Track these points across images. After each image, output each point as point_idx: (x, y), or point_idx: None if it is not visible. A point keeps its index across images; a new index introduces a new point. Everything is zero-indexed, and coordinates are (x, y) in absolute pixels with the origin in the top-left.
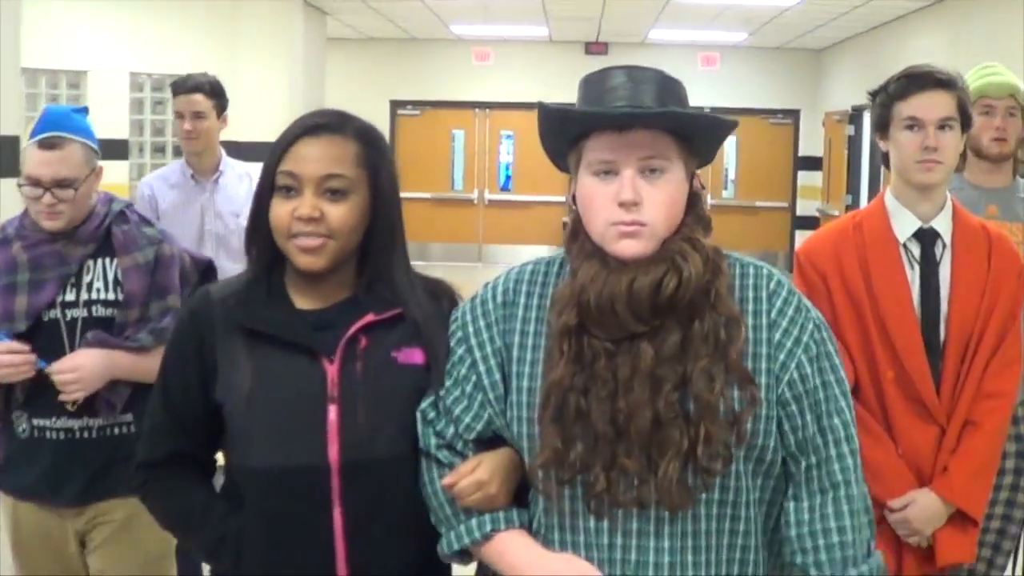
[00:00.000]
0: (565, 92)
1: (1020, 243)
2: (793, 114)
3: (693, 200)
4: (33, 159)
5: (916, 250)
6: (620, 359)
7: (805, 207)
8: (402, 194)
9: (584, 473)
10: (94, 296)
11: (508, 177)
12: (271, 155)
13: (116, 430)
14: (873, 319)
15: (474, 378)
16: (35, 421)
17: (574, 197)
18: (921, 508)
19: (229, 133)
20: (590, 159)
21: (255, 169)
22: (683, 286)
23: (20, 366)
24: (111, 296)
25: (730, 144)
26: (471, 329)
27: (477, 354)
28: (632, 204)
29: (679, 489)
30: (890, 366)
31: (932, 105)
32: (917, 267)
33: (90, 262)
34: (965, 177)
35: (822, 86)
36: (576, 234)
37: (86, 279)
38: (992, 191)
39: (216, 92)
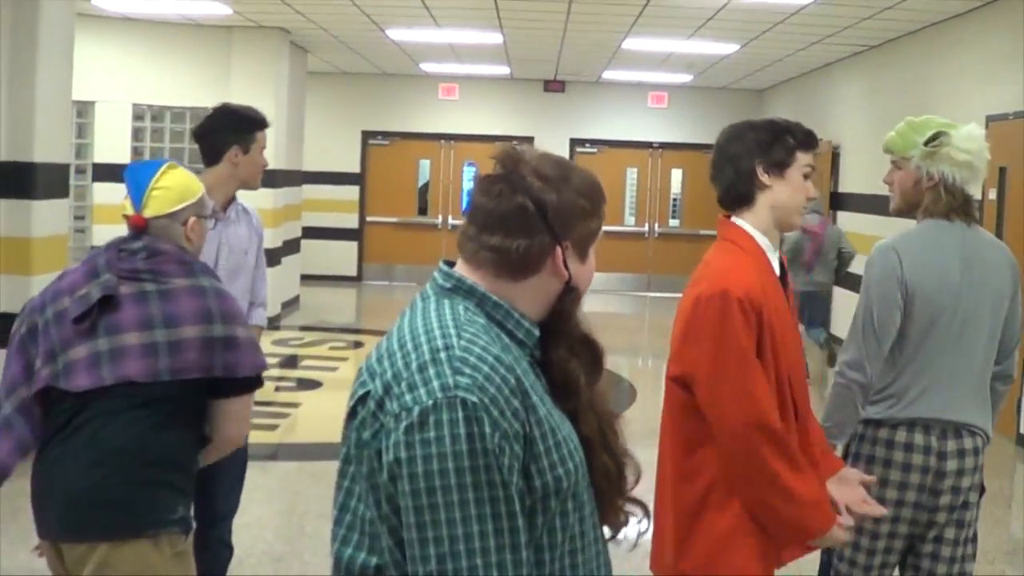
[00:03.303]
0: (524, 126)
1: None
2: None
3: None
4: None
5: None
6: None
7: None
8: (370, 218)
9: None
10: None
11: (471, 203)
12: None
13: None
14: (782, 347)
15: None
16: None
17: None
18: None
19: None
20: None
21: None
22: None
23: None
24: None
25: (677, 176)
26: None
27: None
28: None
29: None
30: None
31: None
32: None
33: None
34: None
35: None
36: None
37: None
38: None
39: None
